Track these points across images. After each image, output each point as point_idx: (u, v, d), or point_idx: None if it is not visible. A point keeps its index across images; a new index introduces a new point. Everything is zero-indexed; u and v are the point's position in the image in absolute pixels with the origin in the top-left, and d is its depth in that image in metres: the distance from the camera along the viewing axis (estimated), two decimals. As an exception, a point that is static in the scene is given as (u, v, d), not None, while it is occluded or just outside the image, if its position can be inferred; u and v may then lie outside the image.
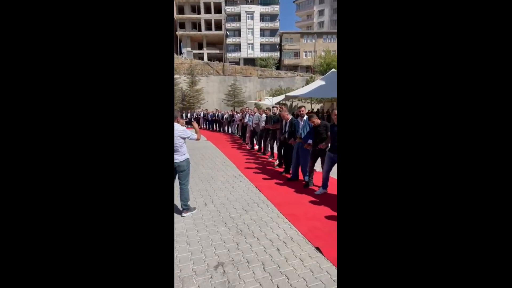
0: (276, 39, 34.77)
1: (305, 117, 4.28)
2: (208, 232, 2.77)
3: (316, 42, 34.08)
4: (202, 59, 31.14)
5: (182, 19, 32.24)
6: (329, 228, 2.79)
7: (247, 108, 10.19)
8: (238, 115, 10.87)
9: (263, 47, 34.90)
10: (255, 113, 7.63)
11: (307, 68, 32.63)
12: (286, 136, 4.65)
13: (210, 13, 32.07)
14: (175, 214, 3.12)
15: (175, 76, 21.69)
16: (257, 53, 34.21)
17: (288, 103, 18.25)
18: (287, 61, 33.97)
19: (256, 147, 7.47)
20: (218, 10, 32.16)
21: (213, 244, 2.52)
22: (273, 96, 18.86)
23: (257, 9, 34.34)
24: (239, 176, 4.98)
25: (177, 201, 3.25)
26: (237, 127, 10.98)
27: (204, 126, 15.99)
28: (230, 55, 33.76)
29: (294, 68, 32.94)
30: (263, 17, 34.89)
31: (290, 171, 4.68)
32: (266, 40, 34.87)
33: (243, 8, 34.05)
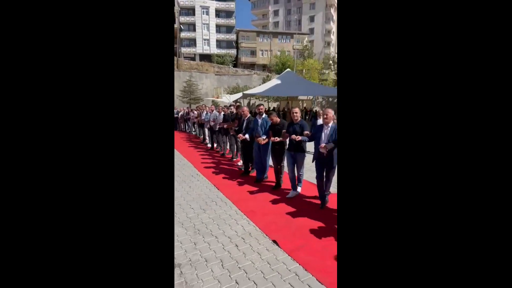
0: (232, 36, 34.61)
1: (264, 115, 4.30)
2: (164, 234, 2.67)
3: (271, 41, 34.93)
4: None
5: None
6: (285, 222, 2.93)
7: (204, 106, 9.99)
8: (195, 112, 10.58)
9: (219, 43, 34.42)
10: (212, 110, 7.52)
11: (264, 67, 33.30)
12: (244, 134, 4.61)
13: (162, 4, 30.30)
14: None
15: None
16: (213, 50, 33.59)
17: (246, 101, 18.40)
18: (244, 59, 34.13)
19: (215, 145, 7.39)
20: (171, 2, 30.55)
21: (169, 246, 2.44)
22: (230, 93, 18.81)
23: (212, 4, 33.67)
24: (196, 175, 4.88)
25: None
26: (194, 125, 10.69)
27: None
28: (184, 50, 32.52)
29: (251, 66, 33.25)
30: (218, 13, 34.36)
31: (250, 168, 4.71)
32: (223, 36, 34.46)
33: (197, 2, 33.02)
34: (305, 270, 2.07)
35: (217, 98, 17.76)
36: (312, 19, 38.80)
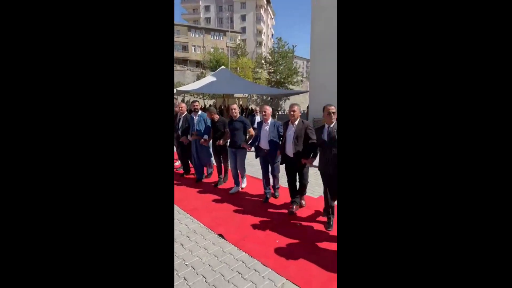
0: (161, 29, 32.33)
1: (199, 112, 4.19)
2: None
3: (204, 37, 34.20)
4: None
5: None
6: (229, 216, 3.04)
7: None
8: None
9: (147, 36, 31.71)
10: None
11: (197, 63, 32.38)
12: (180, 133, 4.38)
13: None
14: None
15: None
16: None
17: (180, 98, 17.63)
18: (176, 53, 32.41)
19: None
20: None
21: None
22: (162, 90, 17.62)
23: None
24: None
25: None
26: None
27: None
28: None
29: (183, 62, 31.91)
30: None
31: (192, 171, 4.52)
32: (150, 28, 31.86)
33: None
34: (251, 257, 2.22)
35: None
36: (243, 18, 39.60)
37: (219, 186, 3.99)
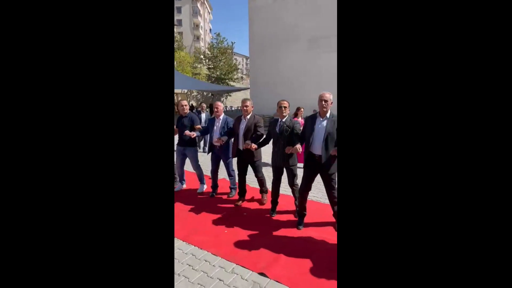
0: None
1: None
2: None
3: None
4: None
5: None
6: (176, 214, 2.99)
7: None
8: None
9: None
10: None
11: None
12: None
13: None
14: None
15: None
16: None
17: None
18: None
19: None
20: None
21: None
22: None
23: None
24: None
25: None
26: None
27: None
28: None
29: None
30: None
31: None
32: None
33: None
34: (201, 249, 2.27)
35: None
36: (179, 10, 37.75)
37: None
